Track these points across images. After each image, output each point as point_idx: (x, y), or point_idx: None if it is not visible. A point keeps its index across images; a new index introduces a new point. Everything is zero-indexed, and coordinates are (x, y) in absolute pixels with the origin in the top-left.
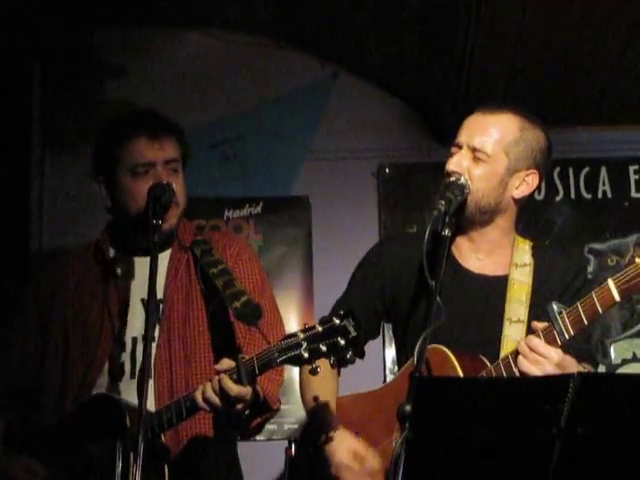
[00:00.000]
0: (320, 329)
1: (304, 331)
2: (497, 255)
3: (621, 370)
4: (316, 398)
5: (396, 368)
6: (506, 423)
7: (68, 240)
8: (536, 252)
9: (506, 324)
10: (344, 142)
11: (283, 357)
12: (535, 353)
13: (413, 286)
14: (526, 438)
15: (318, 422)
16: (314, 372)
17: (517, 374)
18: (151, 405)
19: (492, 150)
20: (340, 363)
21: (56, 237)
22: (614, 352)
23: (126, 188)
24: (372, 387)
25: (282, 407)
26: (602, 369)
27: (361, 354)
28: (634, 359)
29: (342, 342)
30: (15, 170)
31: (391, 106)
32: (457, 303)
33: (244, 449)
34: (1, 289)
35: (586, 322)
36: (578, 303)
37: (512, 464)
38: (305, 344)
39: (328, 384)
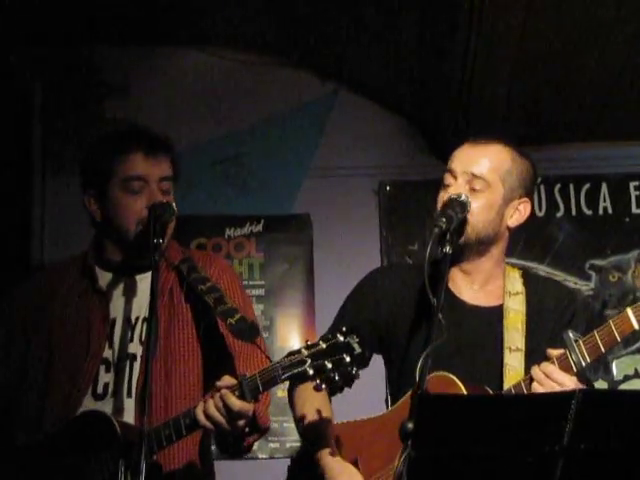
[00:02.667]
0: (324, 346)
1: (308, 348)
2: (490, 285)
3: (623, 386)
4: (306, 417)
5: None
6: (509, 440)
7: (68, 254)
8: (526, 280)
9: (506, 353)
10: (345, 159)
11: (287, 374)
12: (551, 380)
13: (409, 315)
14: (529, 455)
15: (312, 440)
16: (319, 389)
17: None
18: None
19: (491, 178)
20: (344, 380)
21: (57, 251)
22: (616, 368)
23: (118, 203)
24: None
25: (284, 425)
26: (604, 385)
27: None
28: (636, 375)
29: (347, 359)
30: (17, 186)
31: (392, 123)
32: (454, 334)
33: (246, 467)
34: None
35: (603, 350)
36: (595, 331)
37: None
38: (309, 361)
39: (319, 401)
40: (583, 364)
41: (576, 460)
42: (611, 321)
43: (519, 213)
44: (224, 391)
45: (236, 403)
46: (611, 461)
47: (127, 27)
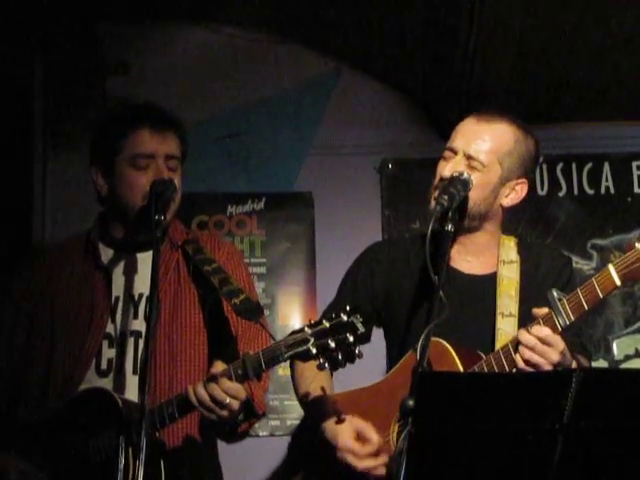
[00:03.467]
0: (328, 325)
1: (311, 326)
2: (485, 256)
3: (624, 366)
4: (309, 393)
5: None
6: (509, 418)
7: (70, 233)
8: (521, 248)
9: (498, 318)
10: (347, 138)
11: (290, 352)
12: (545, 344)
13: (407, 288)
14: (529, 433)
15: (314, 414)
16: (321, 367)
17: (518, 363)
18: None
19: (487, 160)
20: (347, 359)
21: (58, 230)
22: (617, 348)
23: (124, 179)
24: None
25: (285, 403)
26: (605, 365)
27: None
28: (636, 355)
29: (350, 338)
30: (18, 163)
31: (394, 101)
32: (449, 302)
33: (247, 445)
34: (3, 281)
35: (586, 307)
36: (578, 289)
37: (515, 458)
38: (313, 340)
39: (321, 376)
40: (567, 322)
41: (576, 438)
42: (594, 279)
43: (515, 193)
44: (212, 373)
45: (229, 386)
46: (611, 439)
47: (129, 4)
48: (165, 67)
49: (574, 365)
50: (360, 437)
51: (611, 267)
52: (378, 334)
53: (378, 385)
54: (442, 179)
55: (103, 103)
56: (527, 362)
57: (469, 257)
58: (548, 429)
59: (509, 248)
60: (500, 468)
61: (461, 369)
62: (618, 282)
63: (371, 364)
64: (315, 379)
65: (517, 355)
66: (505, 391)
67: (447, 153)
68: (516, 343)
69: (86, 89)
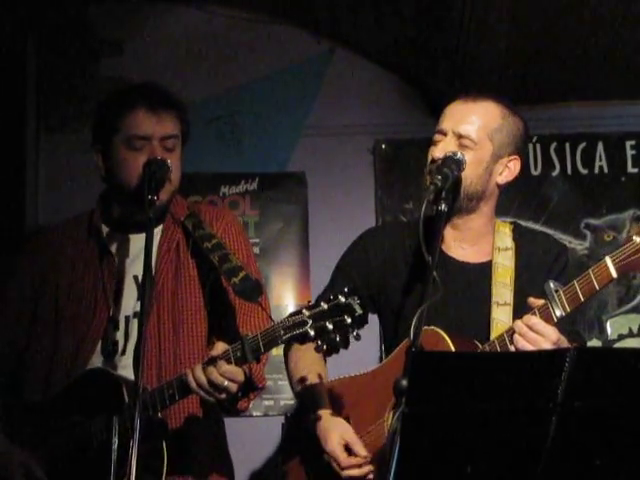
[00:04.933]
0: (326, 307)
1: (309, 308)
2: (480, 244)
3: (617, 345)
4: (303, 379)
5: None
6: (503, 398)
7: (64, 217)
8: (516, 235)
9: (494, 307)
10: (340, 118)
11: (288, 335)
12: (533, 332)
13: (401, 273)
14: (523, 412)
15: (307, 401)
16: (319, 350)
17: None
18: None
19: (478, 137)
20: (345, 341)
21: (52, 214)
22: (610, 328)
23: (120, 159)
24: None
25: (279, 383)
26: (599, 345)
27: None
28: (630, 334)
29: (348, 320)
30: (10, 146)
31: (387, 82)
32: (444, 290)
33: (240, 424)
34: (4, 264)
35: (582, 299)
36: (575, 281)
37: (509, 438)
38: (311, 322)
39: (315, 362)
40: (563, 314)
41: (570, 417)
42: (590, 270)
43: (509, 170)
44: (212, 359)
45: (227, 369)
46: (605, 419)
47: None
48: (159, 48)
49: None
50: (348, 448)
51: (608, 259)
52: (373, 320)
53: (374, 372)
54: (434, 160)
55: (96, 84)
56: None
57: (464, 244)
58: (542, 409)
59: (504, 234)
60: (493, 448)
61: None
62: (615, 274)
63: (363, 351)
64: (312, 367)
65: (512, 347)
66: (498, 371)
67: (437, 136)
68: (511, 333)
69: (79, 70)
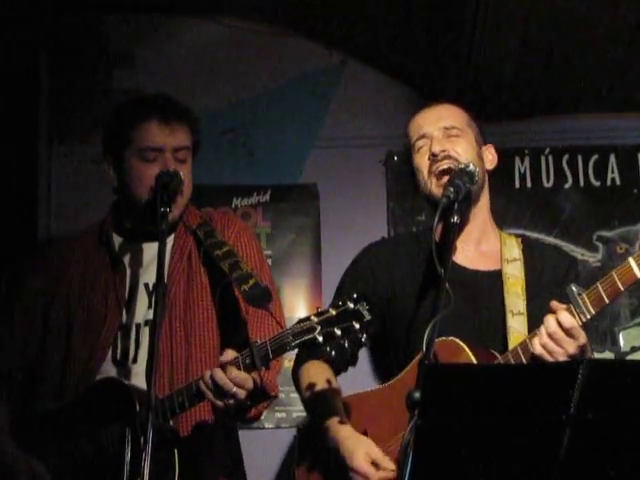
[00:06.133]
0: (334, 313)
1: (318, 315)
2: (484, 246)
3: (630, 357)
4: (312, 386)
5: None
6: (515, 409)
7: (76, 226)
8: (525, 247)
9: (509, 316)
10: (352, 130)
11: (297, 341)
12: (567, 335)
13: (410, 286)
14: (536, 425)
15: (319, 411)
16: (328, 356)
17: (535, 347)
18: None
19: (461, 124)
20: (353, 347)
21: (64, 224)
22: (623, 340)
23: (133, 171)
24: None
25: (291, 395)
26: (611, 357)
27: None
28: None
29: (356, 326)
30: (23, 157)
31: (399, 93)
32: (456, 299)
33: (252, 437)
34: (8, 275)
35: (607, 300)
36: (598, 283)
37: (521, 450)
38: (319, 328)
39: (325, 371)
40: (588, 316)
41: (583, 429)
42: (614, 272)
43: (492, 156)
44: (222, 362)
45: (237, 375)
46: (618, 431)
47: None
48: (170, 59)
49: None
50: (375, 463)
51: (632, 260)
52: None
53: (389, 387)
54: (434, 155)
55: (109, 96)
56: (544, 346)
57: (469, 247)
58: (555, 421)
59: (512, 246)
60: (507, 460)
61: None
62: (639, 274)
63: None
64: (318, 373)
65: (535, 339)
66: (512, 383)
67: (420, 142)
68: (532, 338)
69: (92, 82)
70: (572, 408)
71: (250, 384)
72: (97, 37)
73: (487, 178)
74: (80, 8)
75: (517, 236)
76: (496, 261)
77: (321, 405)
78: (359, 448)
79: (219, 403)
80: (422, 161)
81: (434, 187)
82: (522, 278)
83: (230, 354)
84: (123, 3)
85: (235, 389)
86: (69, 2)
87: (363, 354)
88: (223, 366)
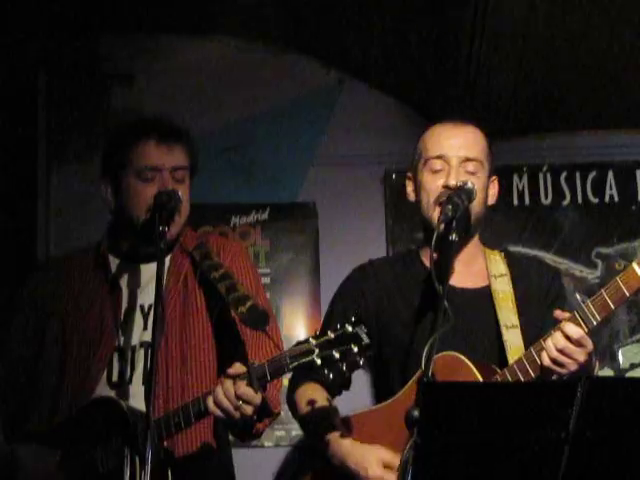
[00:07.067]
0: (332, 336)
1: (316, 337)
2: (473, 266)
3: (629, 374)
4: (310, 402)
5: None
6: (514, 427)
7: (75, 247)
8: (509, 261)
9: (504, 330)
10: (351, 148)
11: (295, 363)
12: (577, 346)
13: (402, 305)
14: (535, 443)
15: (318, 427)
16: (325, 378)
17: (543, 360)
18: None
19: (481, 157)
20: (351, 370)
21: (63, 244)
22: (622, 357)
23: (131, 191)
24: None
25: (290, 414)
26: (611, 374)
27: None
28: None
29: (355, 349)
30: (22, 178)
31: (397, 112)
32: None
33: (252, 455)
34: (7, 296)
35: (613, 306)
36: (602, 290)
37: (521, 468)
38: (317, 350)
39: (322, 392)
40: (594, 323)
41: (582, 447)
42: (618, 278)
43: (494, 190)
44: (236, 379)
45: (245, 391)
46: (617, 449)
47: (132, 16)
48: (169, 79)
49: (596, 368)
50: (387, 466)
51: (635, 265)
52: None
53: (389, 405)
54: (449, 188)
55: (107, 116)
56: (554, 360)
57: (458, 266)
58: (554, 439)
59: (496, 262)
60: (506, 478)
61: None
62: None
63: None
64: (315, 392)
65: (543, 353)
66: (510, 401)
67: (436, 163)
68: (539, 349)
69: (90, 102)
70: (571, 426)
71: (258, 400)
72: (95, 57)
73: (486, 213)
74: (78, 29)
75: (500, 251)
76: (483, 278)
77: (321, 421)
78: (370, 456)
79: (221, 415)
80: (433, 184)
81: (436, 214)
82: (511, 292)
83: (238, 367)
84: (121, 23)
85: (241, 403)
86: (67, 23)
87: (356, 375)
88: (233, 380)
